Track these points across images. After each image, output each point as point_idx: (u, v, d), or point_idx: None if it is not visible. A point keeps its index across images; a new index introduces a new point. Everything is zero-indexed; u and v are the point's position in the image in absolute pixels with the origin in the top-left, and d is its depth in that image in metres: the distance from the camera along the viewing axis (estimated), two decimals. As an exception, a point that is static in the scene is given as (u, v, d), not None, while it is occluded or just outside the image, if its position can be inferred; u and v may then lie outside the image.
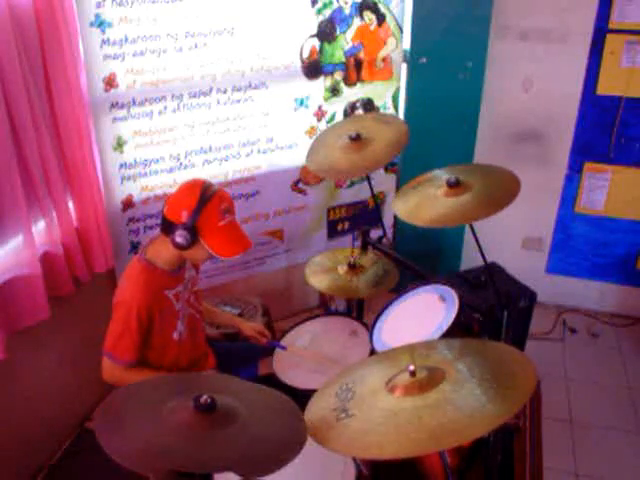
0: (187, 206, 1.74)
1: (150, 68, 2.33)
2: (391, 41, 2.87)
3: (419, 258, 2.31)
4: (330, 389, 1.43)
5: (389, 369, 1.40)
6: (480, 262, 2.06)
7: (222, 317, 2.35)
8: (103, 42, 2.19)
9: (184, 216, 1.74)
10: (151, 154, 2.48)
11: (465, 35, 2.93)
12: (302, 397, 1.43)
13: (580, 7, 2.88)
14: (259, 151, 2.76)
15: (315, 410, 1.37)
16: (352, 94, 2.89)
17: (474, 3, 2.90)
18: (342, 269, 2.35)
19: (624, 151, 3.09)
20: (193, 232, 1.74)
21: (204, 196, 1.74)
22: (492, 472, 1.96)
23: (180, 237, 1.75)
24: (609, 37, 2.88)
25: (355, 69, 2.84)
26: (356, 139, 2.23)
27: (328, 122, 2.86)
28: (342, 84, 2.84)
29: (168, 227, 1.78)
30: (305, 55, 2.68)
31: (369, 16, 2.77)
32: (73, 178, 2.27)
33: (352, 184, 3.10)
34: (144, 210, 2.52)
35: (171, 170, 2.55)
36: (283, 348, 2.15)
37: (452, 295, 1.90)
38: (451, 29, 2.92)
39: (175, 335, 1.93)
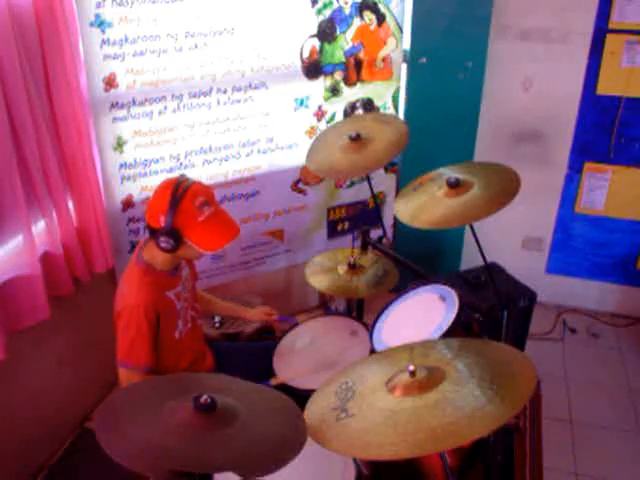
0: (162, 210, 1.72)
1: (150, 68, 2.33)
2: (391, 41, 2.87)
3: (419, 258, 2.31)
4: (330, 387, 1.43)
5: (389, 369, 1.40)
6: (480, 262, 2.06)
7: (225, 308, 2.36)
8: (103, 42, 2.19)
9: (162, 220, 1.73)
10: (151, 154, 2.48)
11: (465, 35, 2.93)
12: (302, 397, 1.43)
13: (580, 7, 2.88)
14: (259, 151, 2.76)
15: (315, 410, 1.37)
16: (352, 94, 2.88)
17: (474, 3, 2.90)
18: (342, 269, 2.35)
19: (624, 151, 3.09)
20: (175, 234, 1.73)
21: (175, 196, 1.72)
22: (492, 472, 1.96)
23: (164, 242, 1.74)
24: (609, 37, 2.88)
25: (355, 69, 2.84)
26: (356, 139, 2.23)
27: (328, 122, 2.86)
28: (342, 84, 2.84)
29: (152, 233, 1.78)
30: (305, 55, 2.68)
31: (369, 16, 2.77)
32: (73, 178, 2.27)
33: (352, 184, 3.10)
34: (144, 210, 2.52)
35: (171, 170, 2.54)
36: (292, 320, 2.18)
37: (452, 295, 1.90)
38: (451, 29, 2.92)
39: (176, 334, 1.93)
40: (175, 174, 2.51)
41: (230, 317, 2.55)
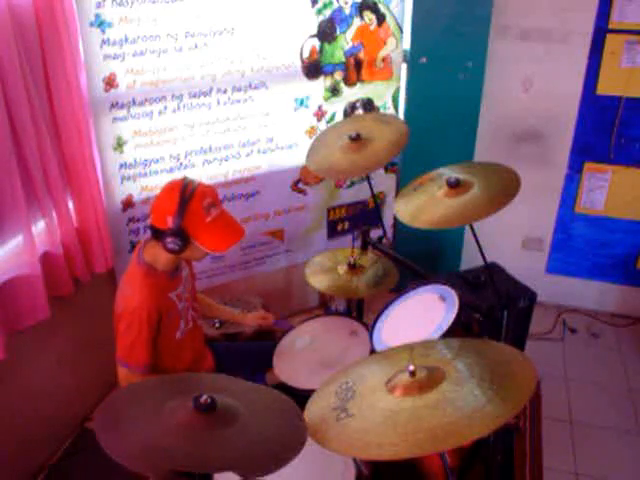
0: (169, 211, 1.72)
1: (150, 68, 2.33)
2: (391, 41, 2.87)
3: (419, 258, 2.31)
4: (330, 387, 1.43)
5: (389, 369, 1.40)
6: (480, 262, 2.06)
7: (223, 312, 2.36)
8: (103, 42, 2.19)
9: (169, 221, 1.72)
10: (151, 154, 2.48)
11: (465, 35, 2.93)
12: (302, 397, 1.43)
13: (580, 7, 2.88)
14: (259, 151, 2.76)
15: (315, 410, 1.37)
16: (352, 94, 2.88)
17: (474, 3, 2.90)
18: (342, 269, 2.35)
19: (624, 151, 3.09)
20: (182, 235, 1.73)
21: (184, 197, 1.72)
22: (492, 472, 1.96)
23: (171, 243, 1.74)
24: (609, 37, 2.88)
25: (355, 69, 2.84)
26: (356, 139, 2.23)
27: (328, 122, 2.86)
28: (342, 84, 2.84)
29: (158, 235, 1.77)
30: (305, 55, 2.68)
31: (369, 16, 2.77)
32: (73, 178, 2.27)
33: (352, 184, 3.10)
34: (144, 210, 2.52)
35: (171, 170, 2.55)
36: (290, 327, 2.19)
37: (452, 295, 1.90)
38: (451, 29, 2.92)
39: (178, 335, 1.93)
40: (175, 174, 2.53)
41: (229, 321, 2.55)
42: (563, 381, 3.01)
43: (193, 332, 2.04)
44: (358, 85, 2.88)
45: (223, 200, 2.70)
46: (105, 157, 2.36)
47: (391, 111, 3.02)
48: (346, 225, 3.19)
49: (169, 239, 1.74)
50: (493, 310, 2.04)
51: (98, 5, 2.13)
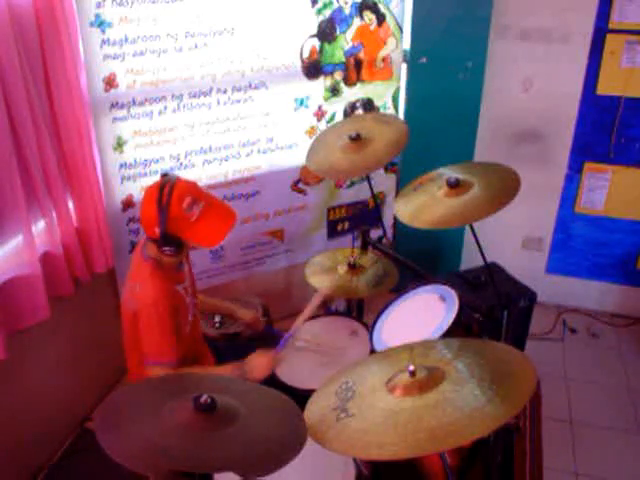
0: (153, 222, 1.72)
1: (150, 68, 2.33)
2: (391, 41, 2.87)
3: (419, 258, 2.31)
4: (330, 387, 1.43)
5: (389, 369, 1.40)
6: (480, 262, 2.06)
7: (218, 306, 2.35)
8: (103, 42, 2.19)
9: (157, 231, 1.73)
10: (151, 154, 2.48)
11: (465, 35, 2.93)
12: (302, 397, 1.43)
13: (580, 7, 2.88)
14: (259, 151, 2.76)
15: (315, 409, 1.37)
16: (352, 94, 2.88)
17: (474, 3, 2.90)
18: (342, 269, 2.35)
19: (624, 151, 3.09)
20: (174, 240, 1.74)
21: (161, 205, 1.70)
22: (492, 472, 1.95)
23: (167, 250, 1.75)
24: (609, 37, 2.88)
25: (355, 69, 2.84)
26: (356, 139, 2.23)
27: (328, 122, 2.86)
28: (342, 84, 2.84)
29: (154, 242, 1.78)
30: (305, 55, 2.68)
31: (369, 16, 2.77)
32: (73, 178, 2.27)
33: (352, 184, 3.10)
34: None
35: (171, 170, 2.54)
36: (280, 335, 2.18)
37: (452, 295, 1.90)
38: (451, 29, 2.92)
39: (187, 329, 1.93)
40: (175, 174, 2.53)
41: (229, 317, 2.55)
42: (563, 381, 3.01)
43: (195, 327, 2.04)
44: (358, 85, 2.88)
45: (222, 200, 2.69)
46: (105, 157, 2.36)
47: (391, 111, 3.02)
48: (346, 225, 3.19)
49: (164, 248, 1.75)
50: (493, 310, 2.04)
51: (98, 5, 2.13)
